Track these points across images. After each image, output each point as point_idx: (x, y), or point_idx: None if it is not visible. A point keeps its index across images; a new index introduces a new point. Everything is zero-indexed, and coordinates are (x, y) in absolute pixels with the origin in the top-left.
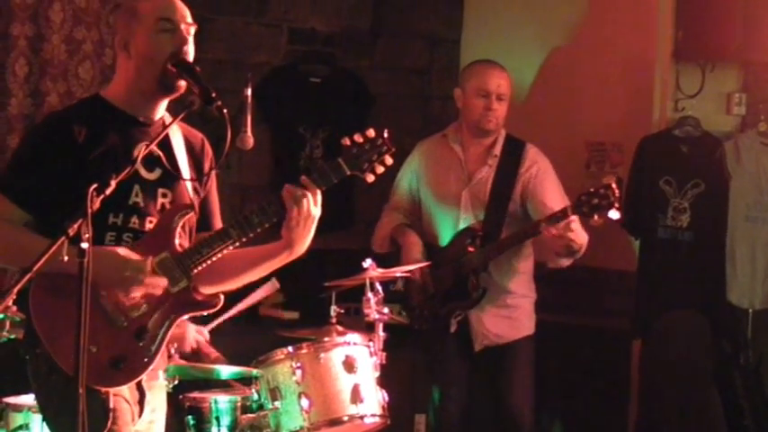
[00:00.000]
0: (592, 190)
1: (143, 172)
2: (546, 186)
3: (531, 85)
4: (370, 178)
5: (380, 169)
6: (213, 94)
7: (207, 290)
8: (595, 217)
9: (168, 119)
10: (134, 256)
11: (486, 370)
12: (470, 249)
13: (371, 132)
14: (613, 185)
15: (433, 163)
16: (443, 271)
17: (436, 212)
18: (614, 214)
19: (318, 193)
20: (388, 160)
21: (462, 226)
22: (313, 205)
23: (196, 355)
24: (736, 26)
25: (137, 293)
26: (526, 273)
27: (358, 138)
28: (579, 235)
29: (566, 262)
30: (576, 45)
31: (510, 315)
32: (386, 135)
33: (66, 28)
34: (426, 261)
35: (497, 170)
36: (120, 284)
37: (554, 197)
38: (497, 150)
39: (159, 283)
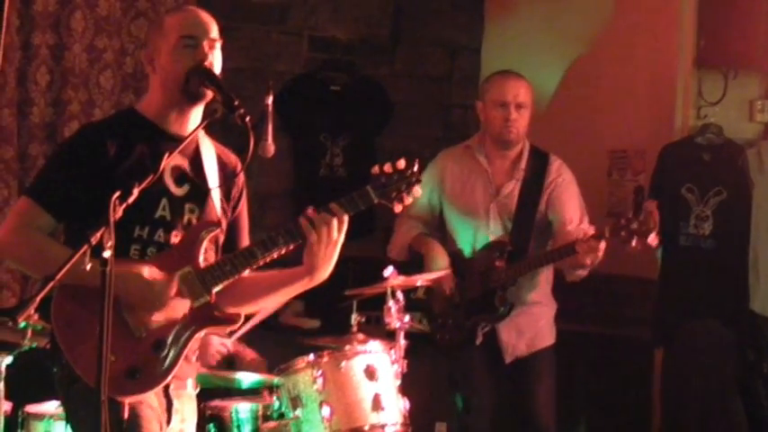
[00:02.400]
0: (630, 215)
1: (172, 187)
2: (566, 200)
3: (552, 94)
4: (398, 208)
5: (408, 200)
6: (236, 102)
7: (228, 310)
8: (633, 242)
9: (202, 134)
10: (159, 277)
11: (511, 380)
12: (498, 264)
13: (402, 163)
14: (655, 212)
15: (457, 175)
16: (470, 283)
17: (460, 224)
18: (654, 240)
19: (345, 219)
20: (417, 191)
21: (489, 238)
22: (336, 231)
23: (231, 357)
24: (758, 33)
25: (158, 315)
26: (548, 283)
27: (387, 168)
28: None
29: (583, 273)
30: (597, 53)
31: (535, 324)
32: (416, 167)
33: (87, 37)
34: (451, 271)
35: (524, 183)
36: (143, 306)
37: (574, 212)
38: (523, 164)
39: (181, 307)
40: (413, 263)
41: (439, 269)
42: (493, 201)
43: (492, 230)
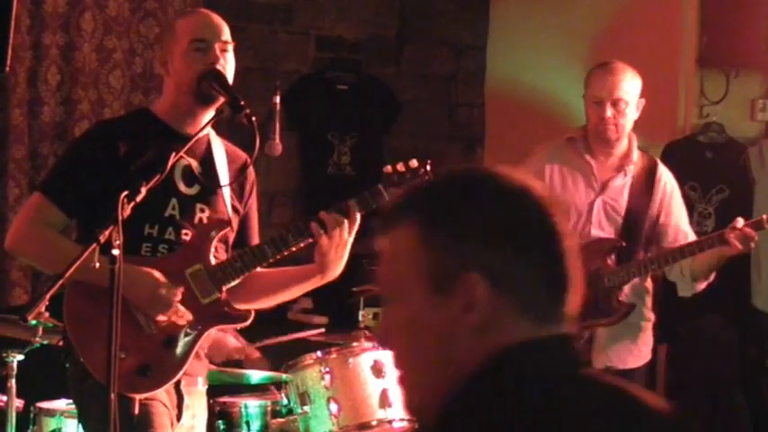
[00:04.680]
0: None
1: (182, 186)
2: (681, 207)
3: (556, 92)
4: None
5: None
6: (241, 102)
7: (239, 306)
8: None
9: (212, 134)
10: (166, 278)
11: None
12: (609, 263)
13: (414, 162)
14: None
15: (558, 167)
16: None
17: None
18: None
19: (357, 218)
20: None
21: (593, 236)
22: (347, 231)
23: (237, 356)
24: (760, 32)
25: (165, 315)
26: (651, 291)
27: (400, 166)
28: None
29: (701, 285)
30: (600, 51)
31: (637, 338)
32: (428, 166)
33: (96, 37)
34: None
35: (634, 179)
36: (151, 305)
37: (687, 220)
38: (634, 158)
39: (192, 304)
40: None
41: None
42: (599, 196)
43: (595, 228)
